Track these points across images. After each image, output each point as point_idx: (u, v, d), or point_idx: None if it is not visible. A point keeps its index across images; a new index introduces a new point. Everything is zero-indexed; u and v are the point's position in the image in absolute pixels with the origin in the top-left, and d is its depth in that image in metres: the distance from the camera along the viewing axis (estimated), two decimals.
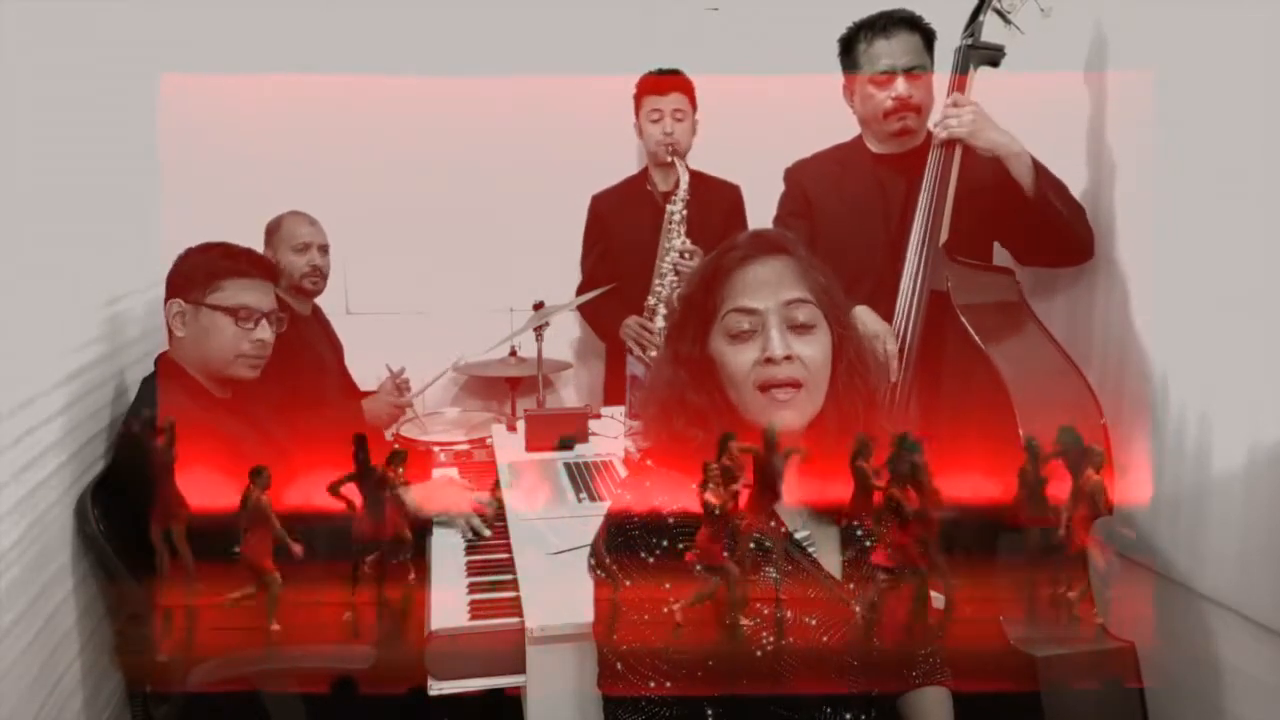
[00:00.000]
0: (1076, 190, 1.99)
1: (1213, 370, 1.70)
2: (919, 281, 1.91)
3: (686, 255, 2.71)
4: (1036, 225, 1.92)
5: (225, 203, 2.68)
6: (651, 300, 2.80)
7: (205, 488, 1.32)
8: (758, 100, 3.03)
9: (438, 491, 1.95)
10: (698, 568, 1.10)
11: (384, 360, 2.83)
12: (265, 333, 1.92)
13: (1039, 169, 1.88)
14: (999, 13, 1.91)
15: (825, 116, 2.26)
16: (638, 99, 2.87)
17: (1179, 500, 1.78)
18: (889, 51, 2.04)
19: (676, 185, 2.79)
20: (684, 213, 2.75)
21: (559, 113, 3.14)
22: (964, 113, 1.89)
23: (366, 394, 2.82)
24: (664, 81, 2.82)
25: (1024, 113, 2.01)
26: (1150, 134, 1.85)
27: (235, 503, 1.24)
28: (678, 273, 2.73)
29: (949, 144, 1.92)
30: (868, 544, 1.25)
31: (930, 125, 1.95)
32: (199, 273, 1.87)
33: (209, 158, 2.85)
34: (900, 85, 2.03)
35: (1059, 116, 2.08)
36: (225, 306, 1.87)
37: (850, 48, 2.12)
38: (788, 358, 1.17)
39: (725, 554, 1.08)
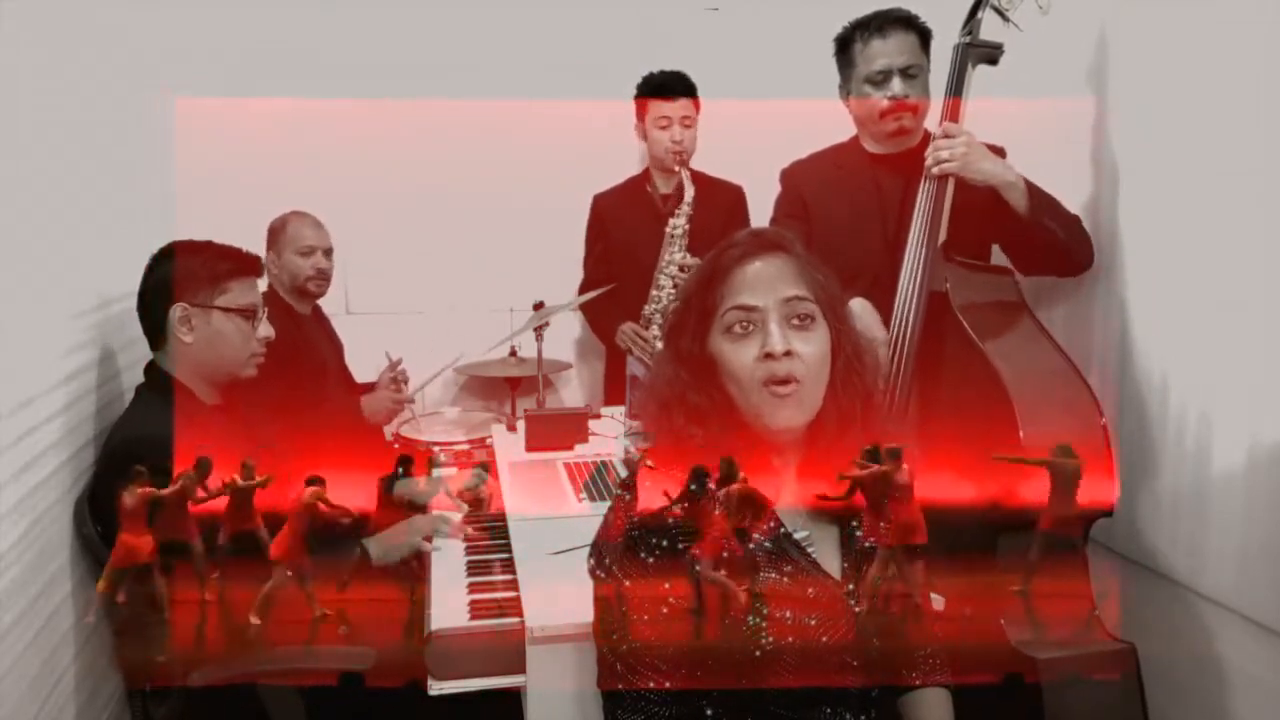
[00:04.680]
0: (1078, 194, 1.99)
1: (1213, 370, 1.70)
2: (917, 283, 1.90)
3: (686, 270, 2.70)
4: (1033, 244, 1.93)
5: (226, 203, 2.68)
6: (648, 309, 2.79)
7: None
8: (758, 101, 3.02)
9: (390, 542, 1.83)
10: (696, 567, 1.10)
11: (384, 360, 2.83)
12: (267, 329, 1.91)
13: (1032, 192, 1.88)
14: (997, 10, 1.91)
15: (824, 118, 2.25)
16: (642, 103, 2.83)
17: (1179, 500, 1.78)
18: (885, 51, 2.03)
19: (680, 196, 2.77)
20: (687, 227, 2.74)
21: (558, 113, 3.13)
22: (956, 144, 1.87)
23: (365, 387, 2.82)
24: (672, 87, 2.79)
25: (1026, 113, 2.01)
26: (1151, 136, 1.85)
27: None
28: (676, 286, 2.71)
29: (941, 176, 1.90)
30: (867, 544, 1.25)
31: (925, 156, 1.94)
32: (202, 275, 1.82)
33: (213, 164, 2.85)
34: (897, 85, 2.03)
35: (1061, 119, 2.08)
36: (236, 308, 1.84)
37: (846, 47, 2.11)
38: (787, 353, 1.17)
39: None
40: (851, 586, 1.22)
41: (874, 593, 1.19)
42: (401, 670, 1.51)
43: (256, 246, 2.11)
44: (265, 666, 1.58)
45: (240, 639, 1.39)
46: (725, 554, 1.11)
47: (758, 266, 1.22)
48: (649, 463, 1.26)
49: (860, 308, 1.92)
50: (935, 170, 1.90)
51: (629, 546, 1.17)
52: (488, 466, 2.12)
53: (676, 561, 1.15)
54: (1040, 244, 1.91)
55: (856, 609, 1.20)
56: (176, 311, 1.80)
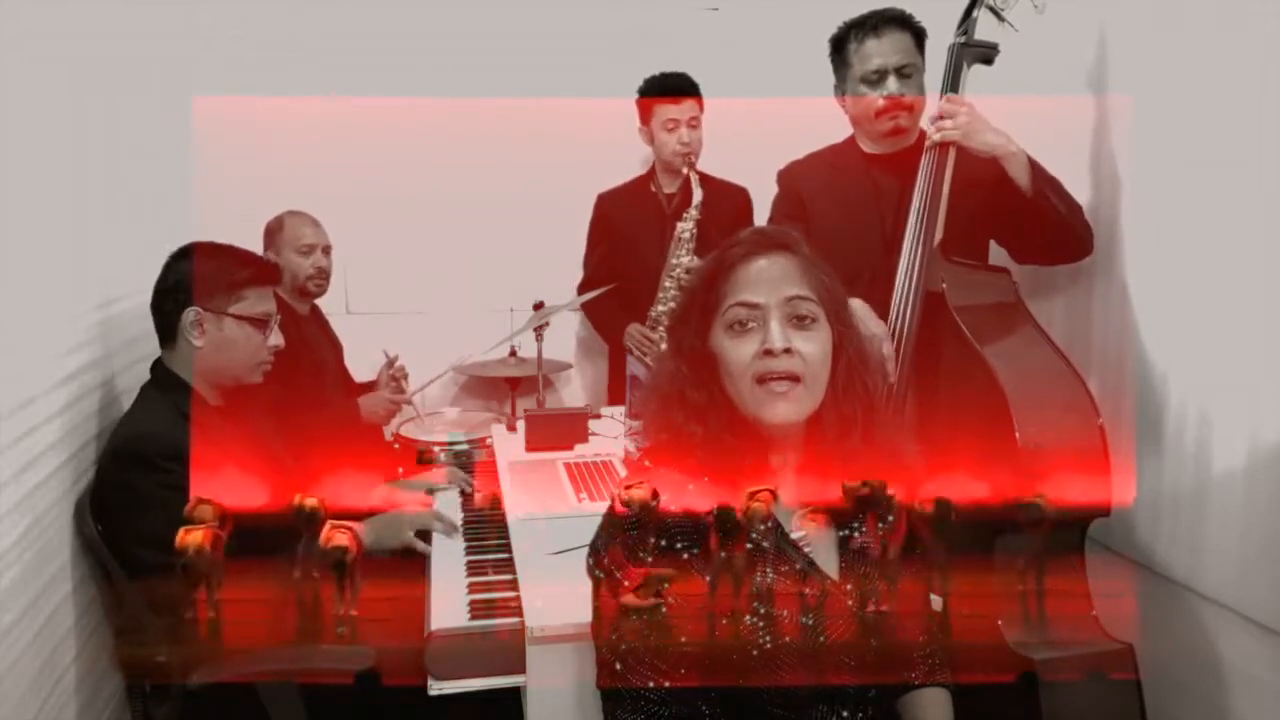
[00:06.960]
0: (1077, 193, 1.99)
1: (1213, 370, 1.70)
2: (914, 282, 1.90)
3: (693, 273, 2.70)
4: (1034, 223, 1.92)
5: (225, 202, 2.68)
6: (655, 312, 2.79)
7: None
8: (758, 100, 3.02)
9: (379, 529, 1.85)
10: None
11: (383, 359, 2.83)
12: (278, 337, 1.91)
13: (1035, 167, 1.88)
14: (992, 10, 1.91)
15: (825, 118, 2.25)
16: (648, 105, 2.82)
17: (1179, 500, 1.77)
18: (880, 50, 2.03)
19: (687, 196, 2.78)
20: (694, 230, 2.74)
21: (558, 113, 3.13)
22: (958, 114, 1.88)
23: (365, 386, 2.82)
24: (678, 88, 2.78)
25: (1027, 113, 2.01)
26: (1150, 135, 1.85)
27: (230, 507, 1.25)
28: (682, 288, 2.71)
29: (943, 146, 1.90)
30: (864, 544, 1.25)
31: (924, 125, 1.94)
32: (219, 280, 1.82)
33: (212, 163, 2.85)
34: (892, 84, 2.03)
35: (1059, 117, 2.08)
36: (250, 316, 1.84)
37: (841, 47, 2.11)
38: (787, 351, 1.17)
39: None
40: (849, 586, 1.22)
41: (887, 592, 1.18)
42: (401, 670, 1.51)
43: (252, 246, 2.11)
44: (265, 667, 1.59)
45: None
46: (723, 554, 1.11)
47: (762, 264, 1.22)
48: (647, 463, 1.26)
49: (857, 307, 1.92)
50: (938, 136, 1.89)
51: (628, 546, 1.17)
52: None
53: (675, 561, 1.15)
54: (1040, 221, 1.90)
55: (870, 609, 1.19)
56: (190, 315, 1.80)
